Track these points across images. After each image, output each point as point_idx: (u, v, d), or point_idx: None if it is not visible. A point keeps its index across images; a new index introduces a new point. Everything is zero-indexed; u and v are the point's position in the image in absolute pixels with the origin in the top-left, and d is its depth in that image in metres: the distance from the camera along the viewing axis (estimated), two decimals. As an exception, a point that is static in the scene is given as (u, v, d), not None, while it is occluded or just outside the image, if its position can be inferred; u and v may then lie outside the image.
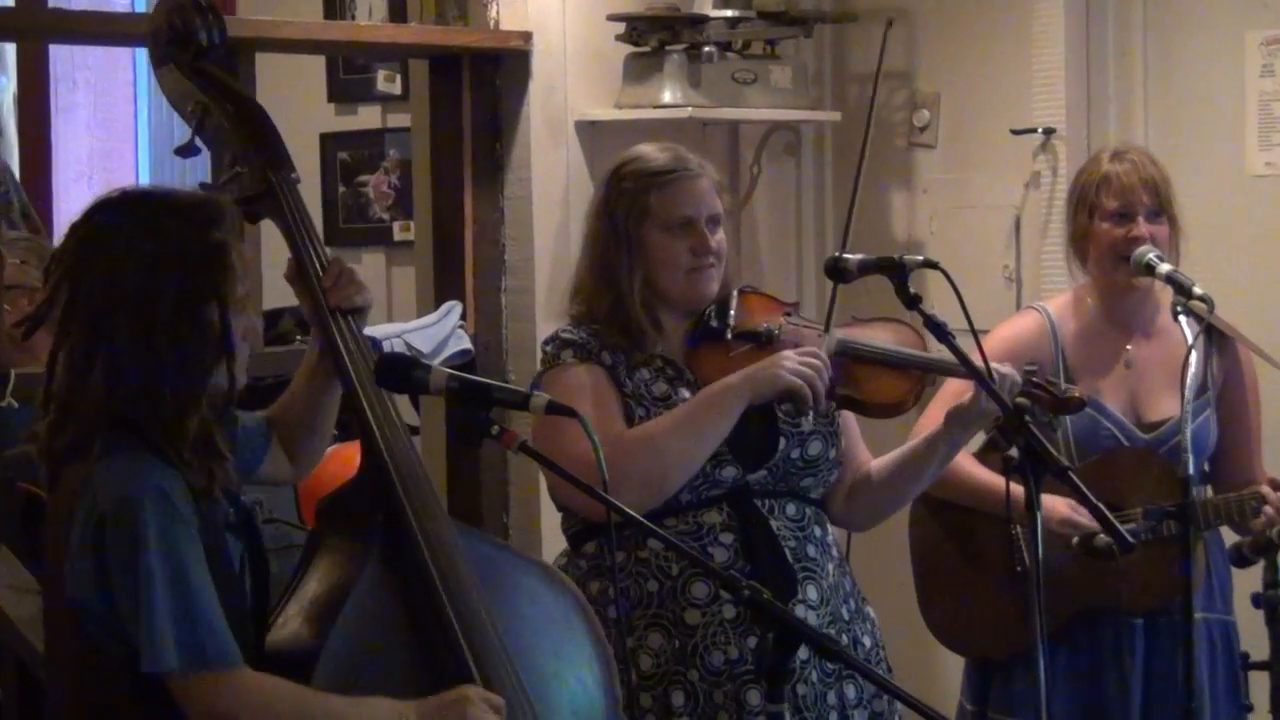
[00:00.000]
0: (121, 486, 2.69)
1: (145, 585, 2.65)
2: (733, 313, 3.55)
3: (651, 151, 3.62)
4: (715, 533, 3.43)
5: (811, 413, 3.49)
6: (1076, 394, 3.69)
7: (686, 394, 3.47)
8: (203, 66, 3.20)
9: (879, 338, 3.57)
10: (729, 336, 3.54)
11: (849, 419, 3.65)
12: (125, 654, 2.68)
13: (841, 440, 3.60)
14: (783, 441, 3.48)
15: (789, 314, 3.61)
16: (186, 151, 3.25)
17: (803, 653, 3.35)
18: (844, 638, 3.49)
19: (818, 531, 3.53)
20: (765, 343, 3.53)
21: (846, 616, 3.52)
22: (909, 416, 3.76)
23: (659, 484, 3.39)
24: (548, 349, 3.54)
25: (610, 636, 3.31)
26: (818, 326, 3.59)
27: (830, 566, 3.52)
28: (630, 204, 3.52)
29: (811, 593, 3.45)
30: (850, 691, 3.48)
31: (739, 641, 3.38)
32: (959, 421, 3.53)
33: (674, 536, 3.35)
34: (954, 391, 3.71)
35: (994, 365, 3.51)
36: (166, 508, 2.68)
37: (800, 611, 3.40)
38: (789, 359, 3.41)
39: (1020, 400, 3.33)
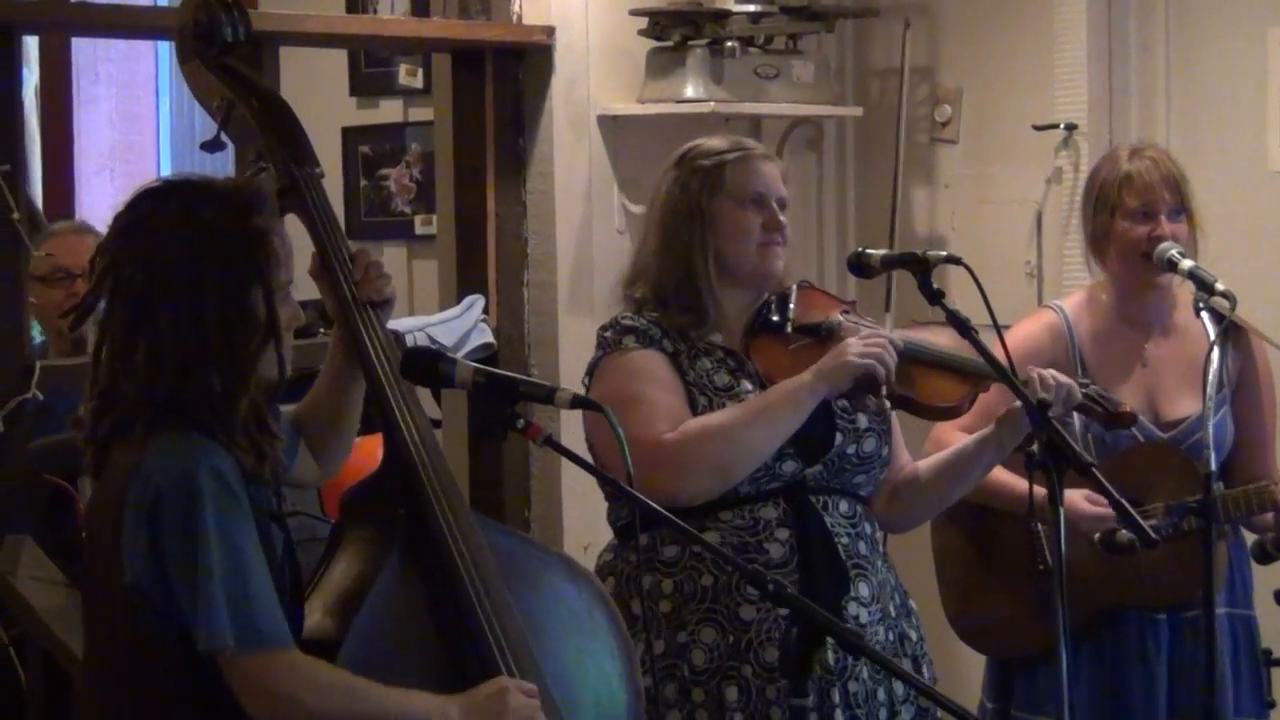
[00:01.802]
0: (176, 465, 2.71)
1: (202, 563, 2.67)
2: (793, 306, 3.56)
3: (715, 138, 3.68)
4: (771, 528, 3.43)
5: (871, 400, 3.51)
6: (1128, 409, 3.71)
7: (749, 385, 3.48)
8: (227, 62, 3.21)
9: (938, 342, 3.57)
10: (789, 330, 3.55)
11: (893, 421, 3.66)
12: (178, 636, 2.70)
13: (891, 439, 3.61)
14: (839, 437, 3.49)
15: (847, 311, 3.62)
16: (212, 146, 3.26)
17: None
18: (891, 633, 3.51)
19: (868, 528, 3.54)
20: (825, 338, 3.54)
21: (894, 612, 3.54)
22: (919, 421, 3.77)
23: (728, 473, 3.39)
24: (607, 334, 3.53)
25: (643, 632, 3.34)
26: (876, 327, 3.59)
27: (879, 563, 3.53)
28: (704, 178, 3.54)
29: (863, 589, 3.46)
30: (899, 687, 3.49)
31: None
32: (1010, 426, 3.52)
33: (729, 531, 3.40)
34: (984, 398, 3.71)
35: (1053, 373, 3.55)
36: (222, 486, 2.71)
37: (853, 608, 3.42)
38: (854, 345, 3.42)
39: (1043, 396, 3.33)
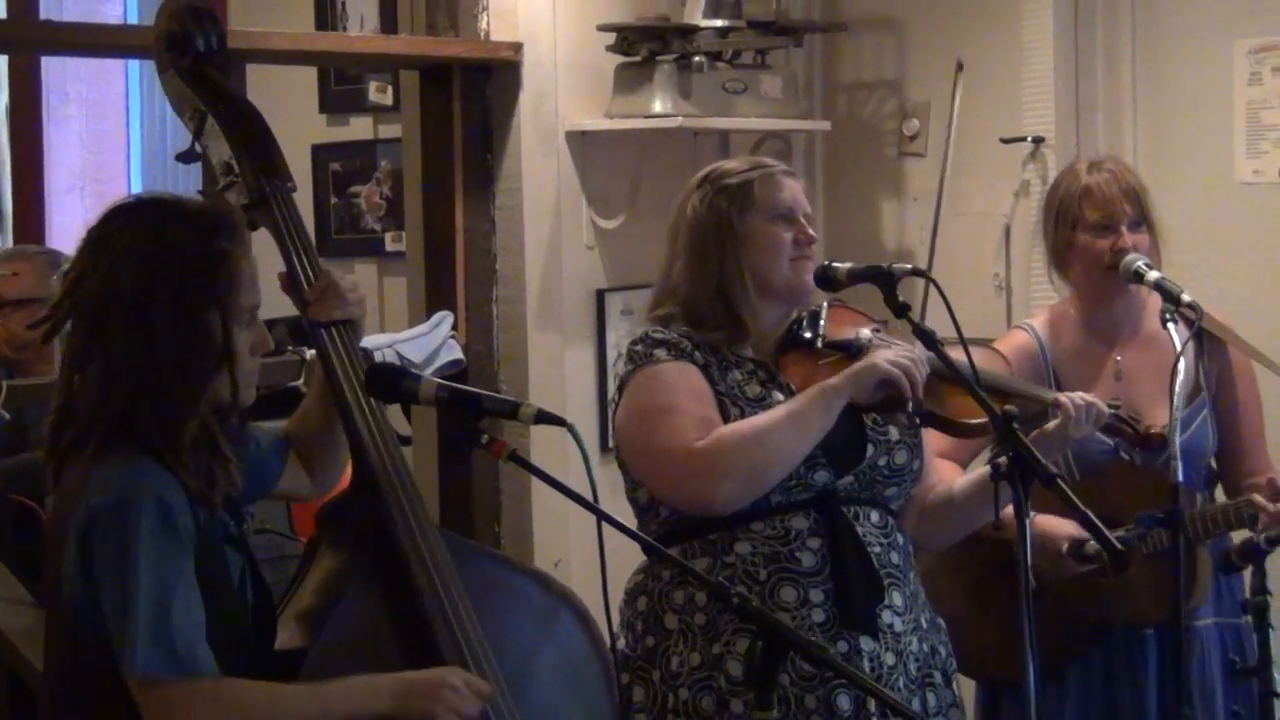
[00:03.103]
0: (117, 487, 2.70)
1: (130, 591, 2.66)
2: (823, 323, 3.57)
3: (735, 160, 3.70)
4: (803, 538, 3.43)
5: (903, 416, 3.51)
6: (1158, 430, 3.73)
7: (780, 397, 3.48)
8: (201, 71, 3.22)
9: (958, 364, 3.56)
10: (819, 345, 3.56)
11: (925, 439, 3.66)
12: (110, 654, 2.69)
13: (924, 454, 3.62)
14: (871, 448, 3.50)
15: (877, 329, 3.62)
16: (187, 158, 3.27)
17: (890, 659, 3.41)
18: (924, 645, 3.51)
19: (900, 539, 3.54)
20: (855, 354, 3.54)
21: (925, 625, 3.54)
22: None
23: (761, 477, 3.39)
24: (638, 348, 3.53)
25: (673, 648, 3.38)
26: (906, 346, 3.60)
27: (911, 574, 3.54)
28: (732, 195, 3.55)
29: (897, 598, 3.46)
30: (931, 699, 3.49)
31: (829, 645, 3.35)
32: (1040, 447, 3.51)
33: (761, 541, 3.41)
34: None
35: (1082, 395, 3.60)
36: (160, 514, 2.70)
37: (887, 617, 3.43)
38: (885, 353, 3.43)
39: (1009, 408, 3.34)
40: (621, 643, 3.46)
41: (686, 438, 3.37)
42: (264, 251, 3.19)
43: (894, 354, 3.43)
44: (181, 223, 2.82)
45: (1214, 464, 4.20)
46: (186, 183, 6.98)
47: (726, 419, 3.44)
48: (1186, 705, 3.86)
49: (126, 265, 2.78)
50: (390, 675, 2.82)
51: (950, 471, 3.89)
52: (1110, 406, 3.68)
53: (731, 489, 3.37)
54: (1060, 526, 3.92)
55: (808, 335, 3.56)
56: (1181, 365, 3.83)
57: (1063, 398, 3.61)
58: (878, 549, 3.47)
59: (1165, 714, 4.05)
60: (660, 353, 3.49)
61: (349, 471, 3.14)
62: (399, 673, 2.83)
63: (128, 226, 2.83)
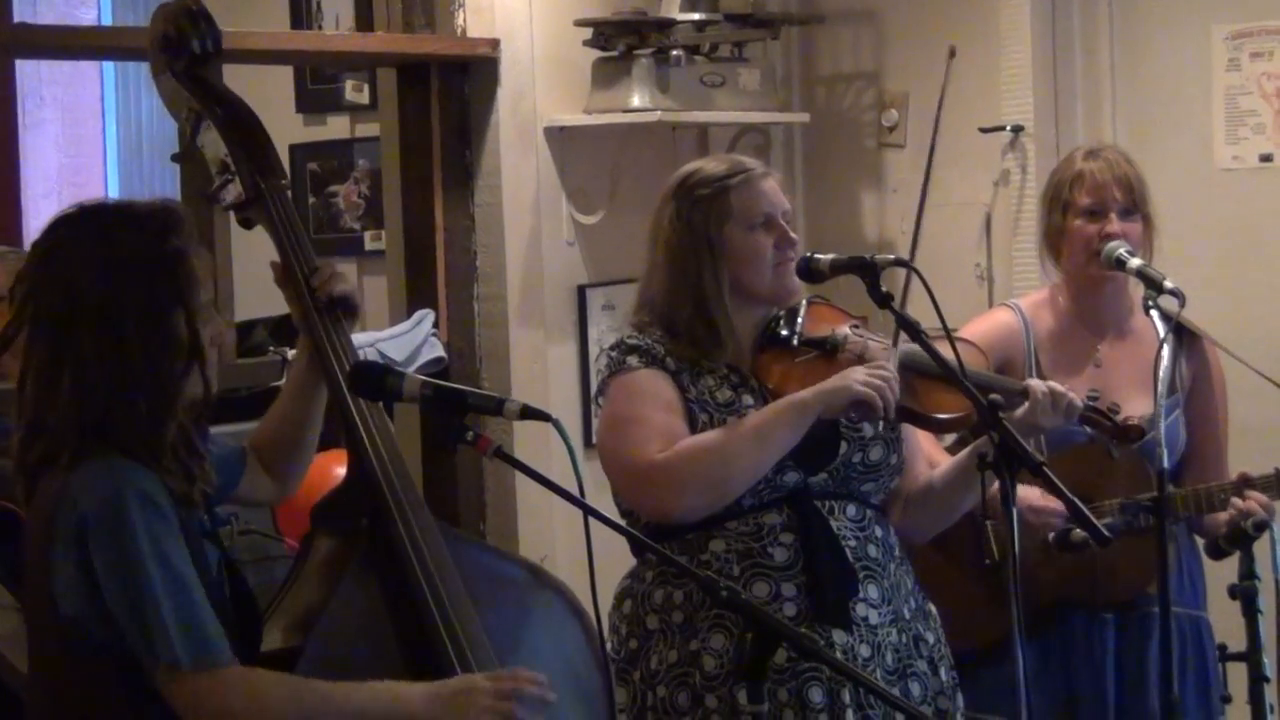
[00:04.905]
0: (101, 488, 2.69)
1: (145, 590, 2.66)
2: (800, 321, 3.57)
3: (710, 161, 3.65)
4: (775, 534, 3.43)
5: (880, 423, 3.51)
6: (1136, 422, 3.72)
7: (750, 400, 3.48)
8: (196, 73, 3.23)
9: (946, 354, 3.56)
10: (795, 344, 3.55)
11: (909, 430, 3.65)
12: (118, 661, 2.69)
13: (902, 448, 3.61)
14: (844, 446, 3.49)
15: (856, 325, 3.62)
16: (183, 158, 3.29)
17: (865, 650, 3.41)
18: (905, 635, 3.50)
19: (879, 532, 3.53)
20: (830, 351, 3.54)
21: (908, 615, 3.53)
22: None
23: (721, 490, 3.40)
24: (612, 354, 3.54)
25: (657, 645, 3.41)
26: (884, 340, 3.59)
27: (892, 566, 3.53)
28: (708, 208, 3.52)
29: (873, 591, 3.46)
30: (915, 689, 3.49)
31: (816, 637, 3.36)
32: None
33: (735, 538, 3.42)
34: None
35: (1053, 386, 3.59)
36: (149, 505, 2.69)
37: (861, 610, 3.43)
38: (859, 373, 3.41)
39: (994, 397, 3.33)
40: (609, 646, 3.46)
41: (649, 449, 3.39)
42: (245, 254, 3.18)
43: (866, 374, 3.40)
44: (132, 227, 2.81)
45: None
46: (164, 184, 6.96)
47: (694, 426, 3.45)
48: (1170, 689, 3.86)
49: (88, 273, 2.76)
50: (417, 685, 2.81)
51: (940, 456, 3.89)
52: (1089, 398, 3.67)
53: (691, 502, 3.39)
54: (1027, 495, 3.91)
55: (784, 333, 3.56)
56: (1165, 352, 3.83)
57: (1031, 386, 3.61)
58: (853, 543, 3.47)
59: (1124, 698, 4.07)
60: (633, 360, 3.51)
61: (332, 471, 3.14)
62: (424, 683, 2.82)
63: (79, 235, 2.81)
